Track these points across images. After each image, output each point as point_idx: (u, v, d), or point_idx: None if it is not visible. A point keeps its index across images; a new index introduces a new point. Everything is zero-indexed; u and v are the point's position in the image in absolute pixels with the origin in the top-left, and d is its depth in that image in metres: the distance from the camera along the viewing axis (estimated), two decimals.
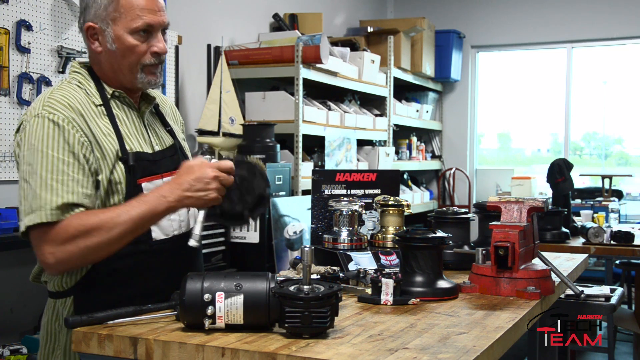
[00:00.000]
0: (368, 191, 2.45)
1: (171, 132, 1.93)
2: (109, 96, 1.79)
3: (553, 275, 2.02)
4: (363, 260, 2.10)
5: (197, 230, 1.65)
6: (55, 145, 1.64)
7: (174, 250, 1.80)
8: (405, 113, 6.02)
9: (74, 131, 1.66)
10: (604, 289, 3.24)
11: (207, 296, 1.43)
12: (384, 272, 1.85)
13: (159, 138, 1.87)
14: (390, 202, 2.27)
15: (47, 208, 1.59)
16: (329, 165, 4.44)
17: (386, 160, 5.25)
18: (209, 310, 1.43)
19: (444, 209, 2.37)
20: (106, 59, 1.77)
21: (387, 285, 1.76)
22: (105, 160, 1.70)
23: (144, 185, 1.74)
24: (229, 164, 1.67)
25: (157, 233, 1.77)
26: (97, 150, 1.69)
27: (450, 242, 1.95)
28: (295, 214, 2.79)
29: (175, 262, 1.80)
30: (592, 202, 5.17)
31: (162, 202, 1.62)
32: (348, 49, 4.97)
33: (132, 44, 1.74)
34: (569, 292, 2.36)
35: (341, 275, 1.97)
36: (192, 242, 1.64)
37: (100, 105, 1.76)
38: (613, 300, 3.12)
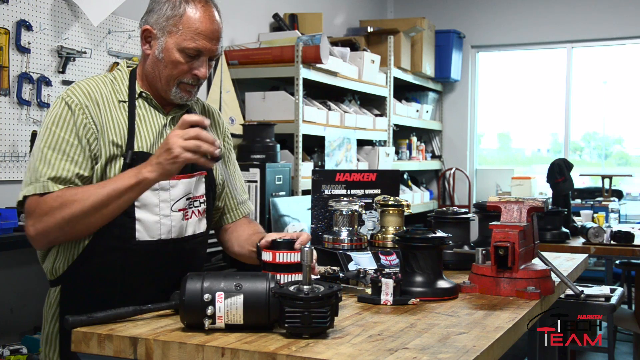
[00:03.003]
0: (368, 191, 2.45)
1: None
2: (136, 95, 1.84)
3: (553, 275, 2.02)
4: (363, 260, 2.10)
5: None
6: (64, 126, 1.73)
7: (158, 253, 1.80)
8: (405, 113, 6.02)
9: (83, 117, 1.75)
10: (604, 289, 3.24)
11: (207, 296, 1.43)
12: (384, 272, 1.85)
13: None
14: (390, 202, 2.27)
15: (41, 181, 1.69)
16: (329, 165, 4.44)
17: (386, 160, 5.25)
18: (209, 310, 1.43)
19: (444, 209, 2.37)
20: (151, 63, 1.83)
21: (387, 285, 1.76)
22: (105, 151, 1.75)
23: None
24: (190, 117, 1.66)
25: (141, 234, 1.78)
26: (102, 140, 1.75)
27: (450, 242, 1.95)
28: (295, 214, 2.79)
29: (159, 265, 1.81)
30: (592, 202, 5.17)
31: (134, 175, 1.66)
32: (348, 49, 4.97)
33: (177, 60, 1.78)
34: (569, 292, 2.36)
35: (341, 275, 1.97)
36: None
37: (124, 101, 1.82)
38: (613, 300, 3.12)
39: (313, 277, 1.85)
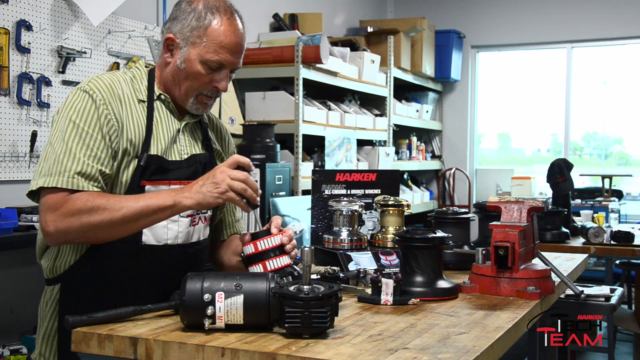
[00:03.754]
0: (368, 191, 2.45)
1: (208, 146, 1.94)
2: (155, 97, 1.83)
3: (553, 275, 2.02)
4: (363, 260, 2.10)
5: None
6: (88, 120, 1.69)
7: (163, 258, 1.79)
8: (405, 113, 6.02)
9: (107, 111, 1.71)
10: (604, 289, 3.24)
11: (207, 296, 1.43)
12: (384, 272, 1.85)
13: (190, 148, 1.88)
14: (390, 202, 2.27)
15: (66, 175, 1.64)
16: (329, 165, 4.44)
17: (386, 160, 5.25)
18: (209, 310, 1.43)
19: (444, 209, 2.37)
20: (171, 71, 1.82)
21: (387, 285, 1.76)
22: (122, 149, 1.73)
23: (147, 187, 1.76)
24: (243, 159, 1.68)
25: (147, 237, 1.77)
26: (121, 137, 1.73)
27: (450, 242, 1.95)
28: (295, 214, 2.79)
29: (163, 270, 1.80)
30: (592, 202, 5.17)
31: (170, 196, 1.65)
32: (348, 49, 4.97)
33: (199, 72, 1.78)
34: (569, 292, 2.37)
35: (341, 275, 1.97)
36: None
37: (143, 101, 1.81)
38: (613, 300, 3.12)
39: (313, 277, 1.85)
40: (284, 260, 1.69)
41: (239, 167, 1.68)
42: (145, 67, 1.89)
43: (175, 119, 1.86)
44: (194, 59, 1.77)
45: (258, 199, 1.69)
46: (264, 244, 1.68)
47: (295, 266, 1.73)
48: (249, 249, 1.70)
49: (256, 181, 1.72)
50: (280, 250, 1.70)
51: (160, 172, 1.78)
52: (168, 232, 1.79)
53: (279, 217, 1.81)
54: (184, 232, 1.82)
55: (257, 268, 1.68)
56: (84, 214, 1.62)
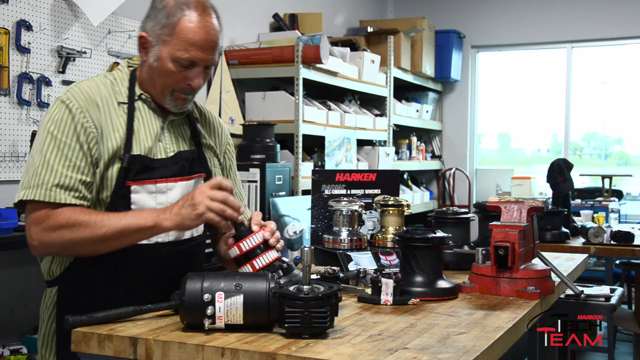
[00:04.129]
0: (368, 191, 2.45)
1: (197, 142, 1.93)
2: (136, 97, 1.82)
3: (553, 275, 2.02)
4: (363, 260, 2.10)
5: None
6: (65, 130, 1.71)
7: (155, 256, 1.79)
8: (405, 113, 6.02)
9: (85, 119, 1.72)
10: (604, 289, 3.24)
11: (206, 296, 1.43)
12: (384, 272, 1.85)
13: (177, 144, 1.87)
14: (390, 202, 2.27)
15: (44, 188, 1.67)
16: (329, 165, 4.44)
17: (386, 160, 5.25)
18: (209, 310, 1.43)
19: (444, 209, 2.37)
20: (146, 70, 1.82)
21: (387, 285, 1.76)
22: (104, 155, 1.74)
23: (132, 187, 1.76)
24: (225, 182, 1.68)
25: None
26: (102, 144, 1.74)
27: (450, 242, 1.95)
28: (295, 214, 2.79)
29: (156, 268, 1.80)
30: (592, 202, 5.17)
31: (151, 217, 1.67)
32: (348, 49, 4.97)
33: (170, 70, 1.76)
34: (569, 292, 2.36)
35: (341, 275, 1.97)
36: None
37: (123, 103, 1.80)
38: (613, 300, 3.12)
39: (313, 277, 1.85)
40: (271, 255, 1.68)
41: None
42: (130, 67, 1.88)
43: (159, 117, 1.85)
44: (165, 57, 1.75)
45: (242, 217, 1.68)
46: (247, 244, 1.67)
47: (284, 258, 1.70)
48: (234, 251, 1.68)
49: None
50: (265, 245, 1.68)
51: (145, 171, 1.78)
52: None
53: (259, 212, 1.80)
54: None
55: (246, 269, 1.67)
56: (66, 229, 1.65)
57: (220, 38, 1.80)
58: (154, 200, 1.78)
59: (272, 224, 1.73)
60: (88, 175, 1.71)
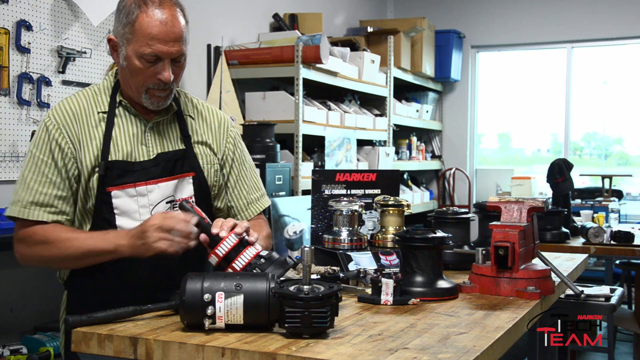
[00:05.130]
0: (368, 191, 2.45)
1: (187, 141, 1.93)
2: (116, 104, 1.85)
3: (553, 275, 2.02)
4: (363, 260, 2.10)
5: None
6: (42, 148, 1.79)
7: (156, 257, 1.78)
8: (405, 113, 6.02)
9: (60, 138, 1.79)
10: (604, 289, 3.24)
11: (207, 296, 1.43)
12: (384, 272, 1.85)
13: (161, 146, 1.88)
14: (390, 202, 2.27)
15: (19, 205, 1.76)
16: (329, 165, 4.44)
17: (386, 160, 5.25)
18: (209, 310, 1.43)
19: (444, 209, 2.37)
20: (120, 71, 1.86)
21: (387, 285, 1.76)
22: (84, 166, 1.79)
23: (113, 192, 1.79)
24: (181, 216, 1.69)
25: None
26: (80, 156, 1.80)
27: (450, 242, 1.95)
28: (295, 214, 2.78)
29: (147, 268, 1.81)
30: (592, 202, 5.17)
31: (112, 243, 1.71)
32: (348, 49, 4.97)
33: (139, 67, 1.78)
34: (569, 292, 2.36)
35: (341, 275, 1.97)
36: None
37: (103, 112, 1.84)
38: (613, 300, 3.12)
39: (313, 277, 1.85)
40: (250, 253, 1.67)
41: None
42: (117, 76, 1.90)
43: (141, 121, 1.87)
44: (131, 55, 1.78)
45: (193, 242, 1.67)
46: (222, 249, 1.66)
47: (262, 252, 1.68)
48: (213, 259, 1.68)
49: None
50: (242, 244, 1.67)
51: (124, 175, 1.80)
52: None
53: (222, 220, 1.76)
54: None
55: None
56: (39, 246, 1.75)
57: (184, 30, 1.80)
58: (136, 204, 1.80)
59: (244, 223, 1.71)
60: (64, 190, 1.78)
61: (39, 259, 1.79)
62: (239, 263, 1.65)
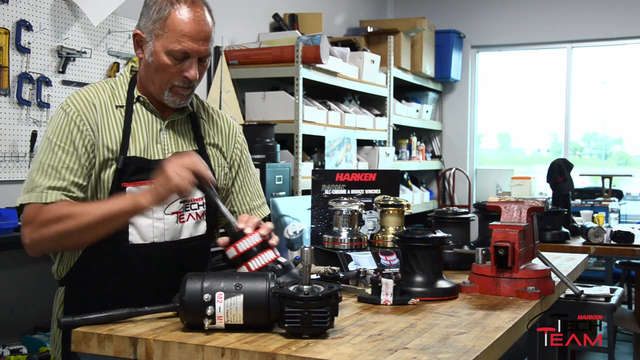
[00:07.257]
0: (368, 191, 2.45)
1: (200, 142, 1.94)
2: (134, 99, 1.85)
3: (553, 275, 2.02)
4: (363, 260, 2.10)
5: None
6: (60, 135, 1.75)
7: (152, 256, 1.81)
8: (405, 113, 6.02)
9: (81, 124, 1.76)
10: (604, 289, 3.24)
11: (206, 296, 1.43)
12: (383, 272, 1.85)
13: (176, 145, 1.88)
14: (390, 202, 2.27)
15: (37, 190, 1.71)
16: (329, 165, 4.44)
17: (386, 160, 5.25)
18: (209, 310, 1.43)
19: (444, 209, 2.37)
20: (143, 67, 1.85)
21: (387, 285, 1.76)
22: (100, 157, 1.77)
23: (128, 188, 1.78)
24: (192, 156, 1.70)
25: (134, 237, 1.79)
26: (97, 146, 1.77)
27: (450, 242, 1.95)
28: (295, 214, 2.78)
29: (154, 268, 1.82)
30: (592, 202, 5.17)
31: (131, 199, 1.69)
32: (348, 49, 4.97)
33: (166, 63, 1.78)
34: (569, 292, 2.36)
35: (341, 275, 1.96)
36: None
37: (121, 106, 1.83)
38: (613, 300, 3.12)
39: (313, 276, 1.85)
40: (268, 257, 1.67)
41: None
42: (132, 71, 1.91)
43: (158, 119, 1.87)
44: (159, 50, 1.77)
45: (237, 223, 1.70)
46: (243, 245, 1.66)
47: (280, 259, 1.69)
48: (232, 252, 1.67)
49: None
50: (261, 247, 1.68)
51: (141, 172, 1.80)
52: (154, 230, 1.81)
53: (248, 215, 1.80)
54: (170, 229, 1.83)
55: (243, 269, 1.66)
56: (54, 223, 1.68)
57: (212, 30, 1.82)
58: None
59: (269, 224, 1.73)
60: (81, 177, 1.75)
61: (52, 238, 1.68)
62: (256, 263, 1.65)
